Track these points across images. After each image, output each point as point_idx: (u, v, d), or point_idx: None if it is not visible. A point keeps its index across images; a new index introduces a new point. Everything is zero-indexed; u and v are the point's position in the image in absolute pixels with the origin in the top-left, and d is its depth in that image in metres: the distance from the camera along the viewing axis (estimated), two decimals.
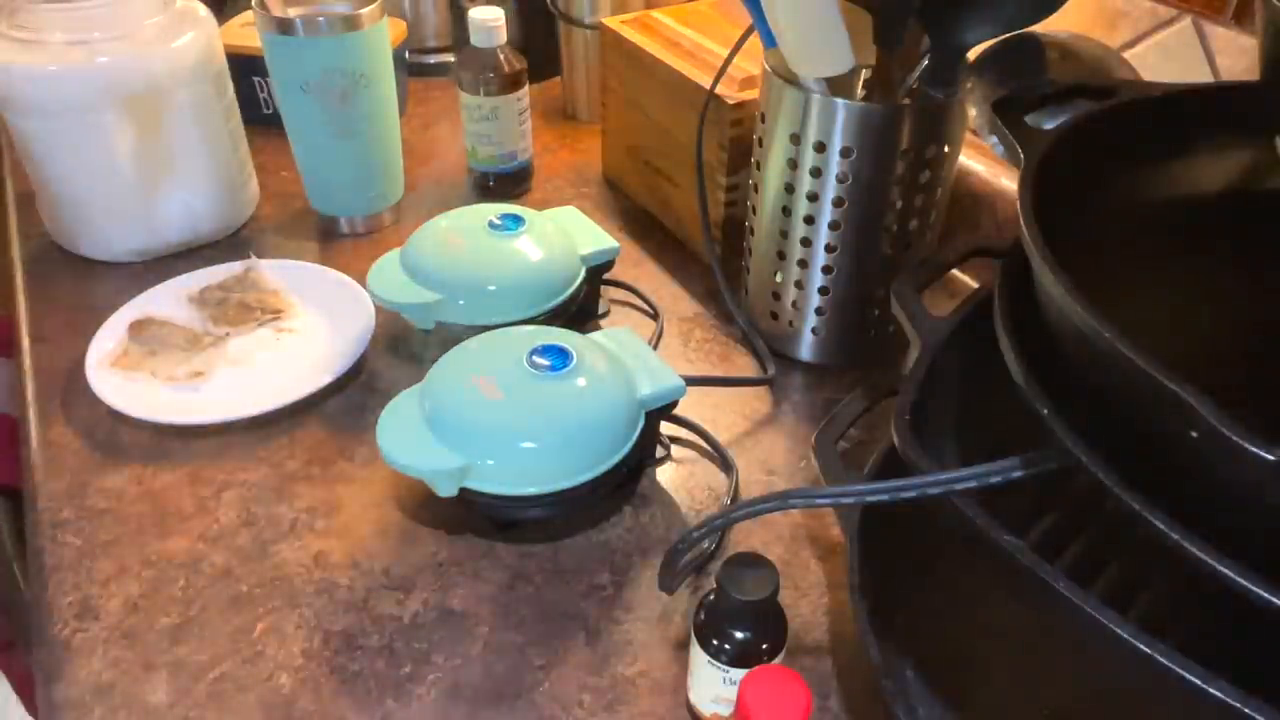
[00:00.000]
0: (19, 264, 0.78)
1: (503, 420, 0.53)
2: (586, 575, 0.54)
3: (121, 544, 0.55)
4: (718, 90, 0.70)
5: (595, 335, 0.60)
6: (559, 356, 0.55)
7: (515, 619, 0.52)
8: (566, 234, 0.71)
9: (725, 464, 0.61)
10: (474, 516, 0.56)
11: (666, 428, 0.62)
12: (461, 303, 0.65)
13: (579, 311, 0.71)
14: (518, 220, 0.68)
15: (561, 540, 0.56)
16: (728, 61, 0.70)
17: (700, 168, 0.73)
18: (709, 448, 0.62)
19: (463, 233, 0.68)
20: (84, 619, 0.51)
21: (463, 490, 0.52)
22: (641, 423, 0.56)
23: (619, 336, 0.61)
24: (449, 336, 0.64)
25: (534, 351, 0.55)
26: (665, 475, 0.61)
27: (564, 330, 0.59)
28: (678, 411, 0.60)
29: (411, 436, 0.53)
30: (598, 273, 0.72)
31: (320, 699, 0.48)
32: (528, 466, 0.52)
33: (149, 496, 0.58)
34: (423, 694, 0.48)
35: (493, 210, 0.69)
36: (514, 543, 0.56)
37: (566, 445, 0.53)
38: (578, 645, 0.50)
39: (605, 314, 0.75)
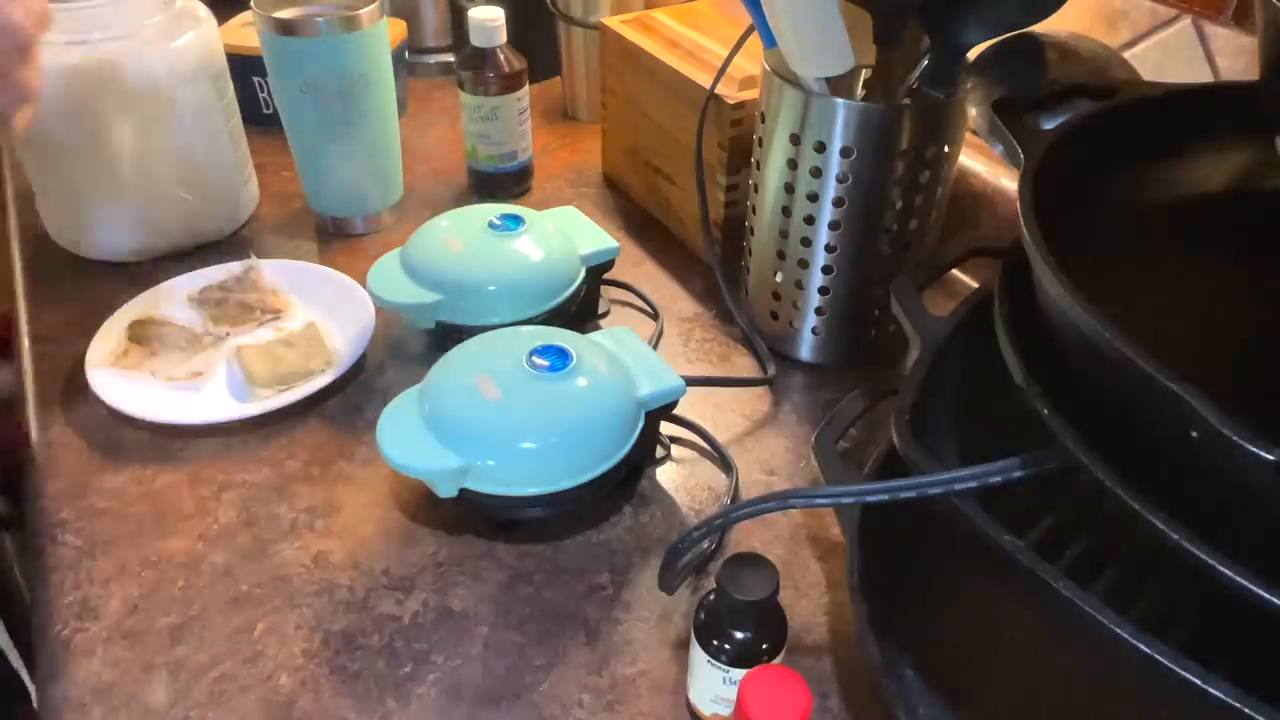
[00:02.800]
0: (19, 264, 0.78)
1: (502, 420, 0.53)
2: (586, 575, 0.54)
3: (121, 544, 0.55)
4: (718, 90, 0.70)
5: (595, 335, 0.60)
6: (559, 356, 0.55)
7: (515, 619, 0.52)
8: (566, 234, 0.71)
9: (725, 464, 0.61)
10: (474, 516, 0.56)
11: (666, 428, 0.62)
12: (461, 303, 0.65)
13: (579, 311, 0.71)
14: (518, 220, 0.68)
15: (561, 540, 0.56)
16: (727, 61, 0.70)
17: (700, 167, 0.73)
18: (709, 448, 0.62)
19: (463, 233, 0.68)
20: (84, 619, 0.51)
21: (463, 491, 0.52)
22: (641, 423, 0.56)
23: (619, 336, 0.61)
24: (449, 336, 0.64)
25: (534, 352, 0.55)
26: (665, 475, 0.61)
27: (564, 330, 0.59)
28: (677, 411, 0.60)
29: (411, 437, 0.53)
30: (598, 273, 0.72)
31: (320, 699, 0.48)
32: (527, 467, 0.52)
33: (149, 496, 0.58)
34: (423, 694, 0.48)
35: (493, 210, 0.69)
36: (514, 543, 0.56)
37: (566, 445, 0.53)
38: (578, 645, 0.50)
39: (605, 314, 0.75)
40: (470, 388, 0.54)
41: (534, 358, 0.55)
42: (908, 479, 0.38)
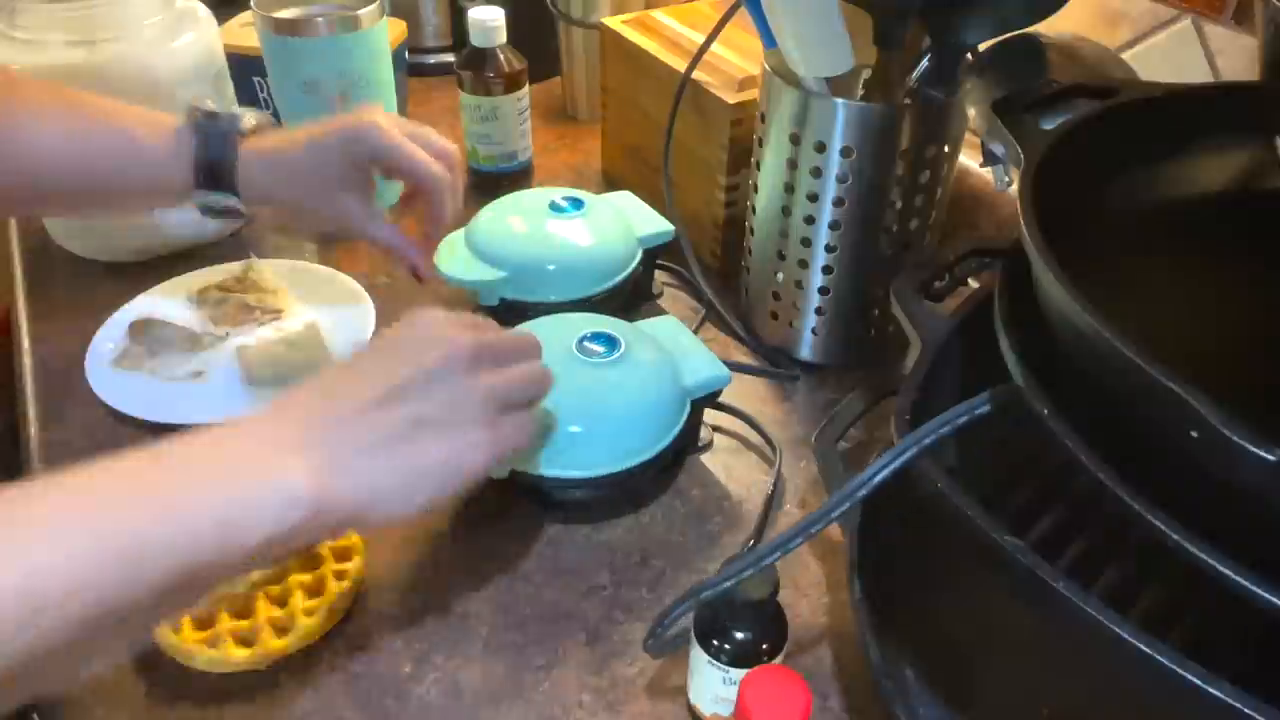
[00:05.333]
0: (19, 264, 0.78)
1: (551, 404, 0.54)
2: (586, 575, 0.54)
3: None
4: (717, 91, 0.71)
5: (641, 324, 0.62)
6: (608, 343, 0.56)
7: (515, 619, 0.52)
8: (624, 217, 0.73)
9: (771, 447, 0.62)
10: (520, 493, 0.57)
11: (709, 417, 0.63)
12: (525, 280, 0.68)
13: (635, 291, 0.73)
14: (578, 203, 0.71)
15: (561, 540, 0.56)
16: (705, 47, 0.70)
17: (668, 149, 0.74)
18: (702, 458, 0.62)
19: (525, 213, 0.71)
20: None
21: (513, 472, 0.54)
22: (687, 411, 0.58)
23: (664, 325, 0.62)
24: (513, 314, 0.66)
25: (584, 338, 0.57)
26: (665, 476, 0.60)
27: (612, 319, 0.60)
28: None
29: None
30: (653, 255, 0.74)
31: (320, 699, 0.48)
32: (575, 450, 0.54)
33: None
34: (423, 694, 0.48)
35: (554, 192, 0.72)
36: (513, 544, 0.56)
37: (613, 431, 0.55)
38: (578, 645, 0.50)
39: (659, 295, 0.76)
40: None
41: (584, 344, 0.56)
42: (866, 471, 0.38)
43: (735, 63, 0.74)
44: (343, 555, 0.53)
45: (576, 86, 1.00)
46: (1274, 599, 0.27)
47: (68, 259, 0.78)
